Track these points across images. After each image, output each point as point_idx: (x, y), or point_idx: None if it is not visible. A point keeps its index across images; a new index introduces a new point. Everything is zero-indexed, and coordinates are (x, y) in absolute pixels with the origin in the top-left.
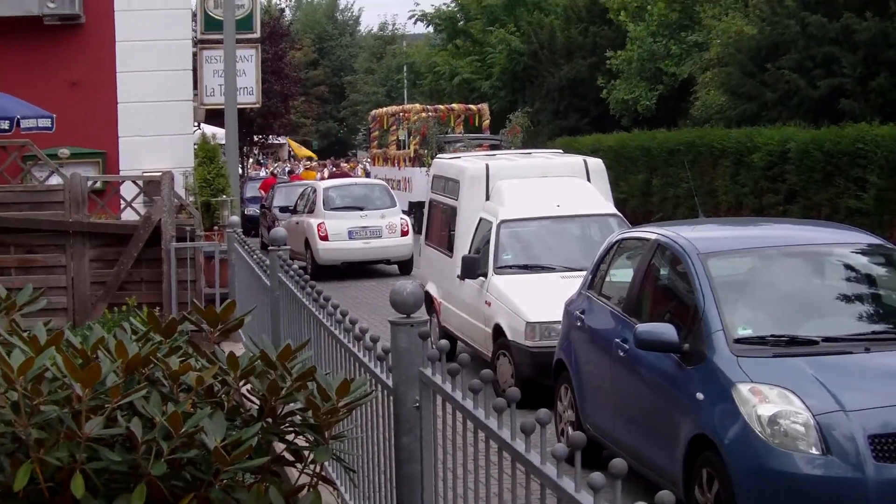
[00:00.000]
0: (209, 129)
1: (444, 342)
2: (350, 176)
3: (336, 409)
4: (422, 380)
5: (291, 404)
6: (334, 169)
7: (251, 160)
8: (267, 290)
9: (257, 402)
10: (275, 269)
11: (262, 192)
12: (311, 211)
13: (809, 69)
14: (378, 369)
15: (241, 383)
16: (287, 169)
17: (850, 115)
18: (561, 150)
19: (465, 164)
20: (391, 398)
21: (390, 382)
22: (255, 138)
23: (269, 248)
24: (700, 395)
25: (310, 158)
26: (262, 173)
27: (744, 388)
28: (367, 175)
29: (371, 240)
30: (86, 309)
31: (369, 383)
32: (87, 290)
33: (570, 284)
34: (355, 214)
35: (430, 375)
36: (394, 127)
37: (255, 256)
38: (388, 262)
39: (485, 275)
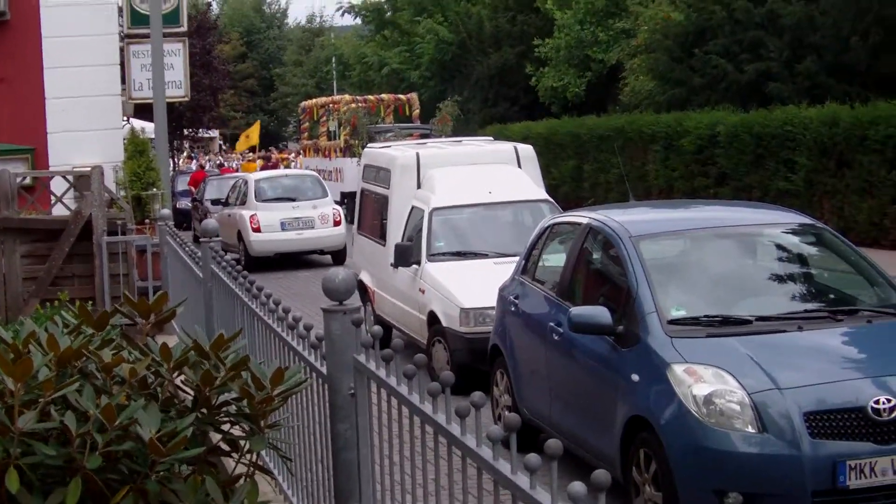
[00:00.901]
0: (138, 124)
1: (377, 328)
2: (278, 167)
3: (271, 397)
4: (356, 367)
5: (226, 394)
6: (266, 162)
7: (184, 154)
8: (200, 282)
9: (192, 392)
10: (207, 261)
11: (192, 187)
12: (242, 203)
13: (736, 54)
14: (312, 357)
15: (174, 374)
16: (217, 162)
17: (777, 98)
18: (491, 138)
19: (396, 153)
20: (326, 386)
21: (324, 370)
22: (186, 132)
23: (201, 239)
24: (635, 377)
25: (252, 149)
26: (193, 166)
27: (678, 369)
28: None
29: (304, 230)
30: (18, 305)
31: (303, 371)
32: (19, 286)
33: (503, 270)
34: (287, 205)
35: (363, 362)
36: (324, 118)
37: (187, 249)
38: (321, 252)
39: (418, 262)
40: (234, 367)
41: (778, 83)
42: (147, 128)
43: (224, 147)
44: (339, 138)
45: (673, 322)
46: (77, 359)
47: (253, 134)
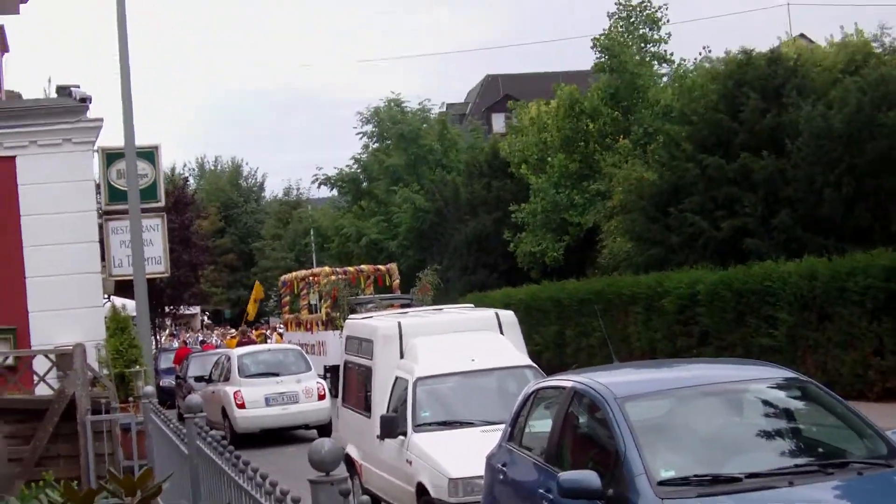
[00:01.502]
0: (119, 301)
1: (365, 498)
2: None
3: None
4: None
5: None
6: (242, 337)
7: (166, 332)
8: (185, 459)
9: None
10: (192, 437)
11: (176, 364)
12: (226, 379)
13: (711, 210)
14: None
15: None
16: (199, 339)
17: (755, 253)
18: (472, 305)
19: (378, 323)
20: None
21: None
22: (167, 309)
23: (185, 416)
24: None
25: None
26: (176, 343)
27: None
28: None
29: (288, 405)
30: (3, 486)
31: None
32: (4, 467)
33: (490, 438)
34: (271, 380)
35: None
36: (304, 291)
37: (171, 426)
38: (306, 427)
39: (404, 433)
40: None
41: (755, 238)
42: (128, 305)
43: (205, 323)
44: (321, 311)
45: (663, 483)
46: None
47: (257, 293)
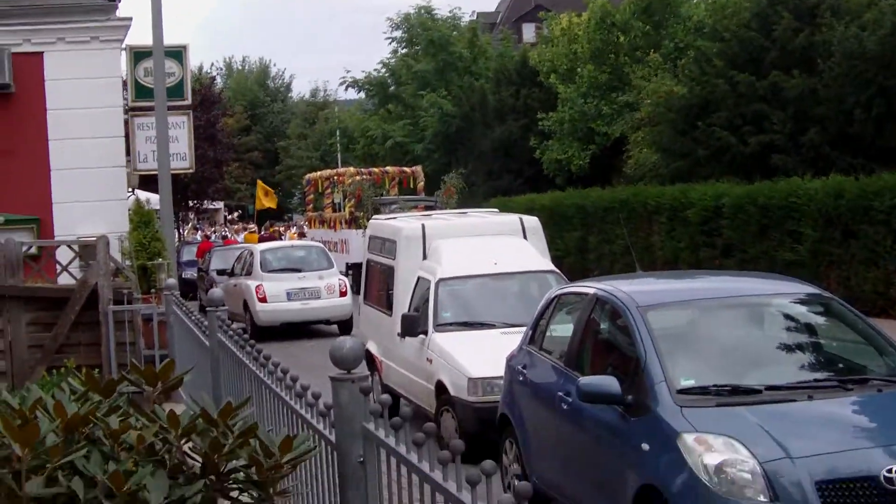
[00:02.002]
0: (143, 195)
1: (385, 396)
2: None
3: (280, 465)
4: (365, 435)
5: (234, 461)
6: (264, 232)
7: (189, 225)
8: (207, 351)
9: (200, 459)
10: (213, 330)
11: (199, 258)
12: (248, 273)
13: (739, 126)
14: (321, 425)
15: (182, 441)
16: (222, 234)
17: (782, 170)
18: (496, 210)
19: (402, 224)
20: (335, 453)
21: (333, 438)
22: (191, 203)
23: (208, 309)
24: (645, 446)
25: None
26: (199, 236)
27: (689, 438)
28: (303, 237)
29: (310, 300)
30: (24, 372)
31: (312, 439)
32: (25, 353)
33: (510, 340)
34: (293, 276)
35: (373, 430)
36: (329, 190)
37: (193, 318)
38: (327, 322)
39: (425, 332)
40: (242, 434)
41: (782, 155)
42: (152, 199)
43: (229, 218)
44: (345, 210)
45: (682, 392)
46: (84, 425)
47: (263, 197)
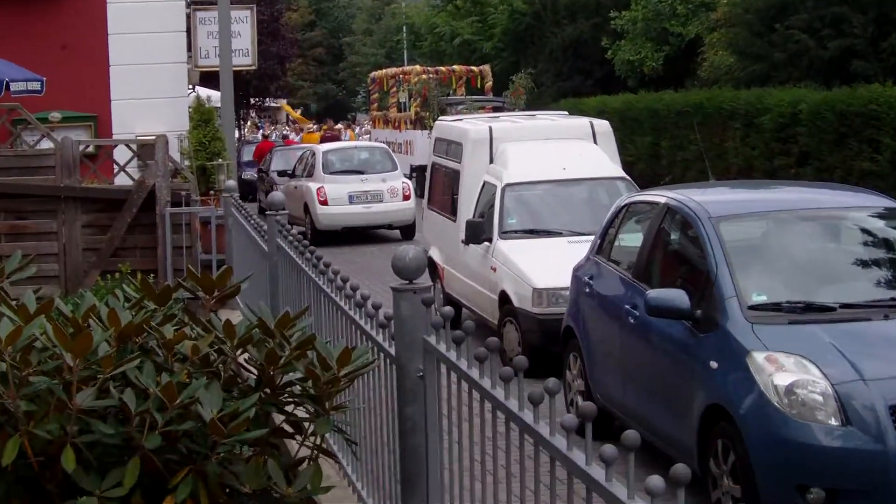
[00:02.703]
0: (204, 92)
1: (448, 309)
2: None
3: (337, 378)
4: (425, 348)
5: (290, 374)
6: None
7: (249, 123)
8: (265, 257)
9: (255, 372)
10: (273, 235)
11: (257, 158)
12: (309, 175)
13: (819, 30)
14: (380, 337)
15: (238, 352)
16: (283, 133)
17: (861, 76)
18: (566, 112)
19: (468, 126)
20: (394, 367)
21: (393, 351)
22: (252, 101)
23: (267, 212)
24: (714, 364)
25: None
26: (259, 136)
27: (759, 357)
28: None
29: (372, 204)
30: (78, 276)
31: (371, 352)
32: (80, 256)
33: (577, 250)
34: (355, 178)
35: (433, 343)
36: (394, 89)
37: (252, 221)
38: (389, 226)
39: (490, 239)
40: (299, 346)
41: (862, 61)
42: (213, 96)
43: (291, 118)
44: (410, 110)
45: (753, 308)
46: (138, 334)
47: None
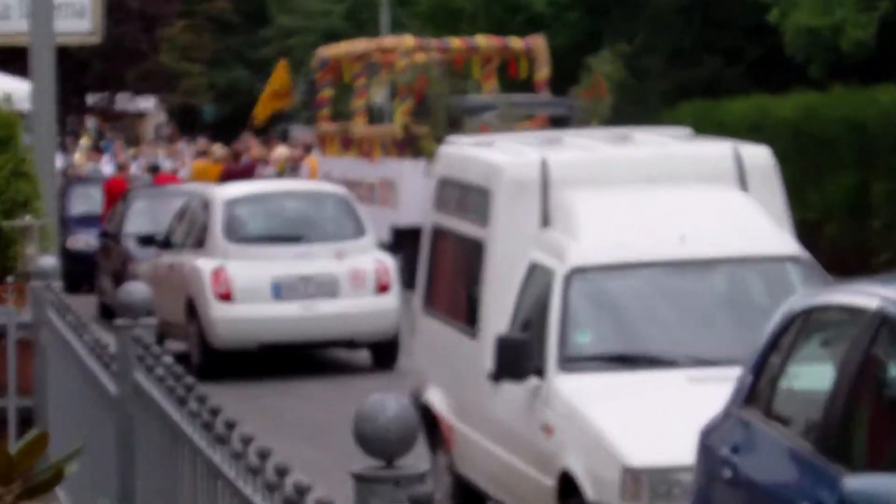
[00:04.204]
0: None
1: None
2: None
3: None
4: None
5: None
6: (232, 160)
7: (83, 142)
8: (112, 407)
9: None
10: (128, 364)
11: (105, 211)
12: (199, 243)
13: None
14: None
15: None
16: (150, 162)
17: None
18: (688, 130)
19: (502, 157)
20: None
21: None
22: (89, 100)
23: (118, 319)
24: None
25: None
26: (106, 168)
27: None
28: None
29: (317, 300)
30: None
31: None
32: None
33: (707, 394)
34: (287, 251)
35: None
36: (362, 80)
37: (87, 337)
38: (350, 344)
39: (540, 372)
40: None
41: None
42: (17, 92)
43: (168, 130)
44: (393, 121)
45: None
46: None
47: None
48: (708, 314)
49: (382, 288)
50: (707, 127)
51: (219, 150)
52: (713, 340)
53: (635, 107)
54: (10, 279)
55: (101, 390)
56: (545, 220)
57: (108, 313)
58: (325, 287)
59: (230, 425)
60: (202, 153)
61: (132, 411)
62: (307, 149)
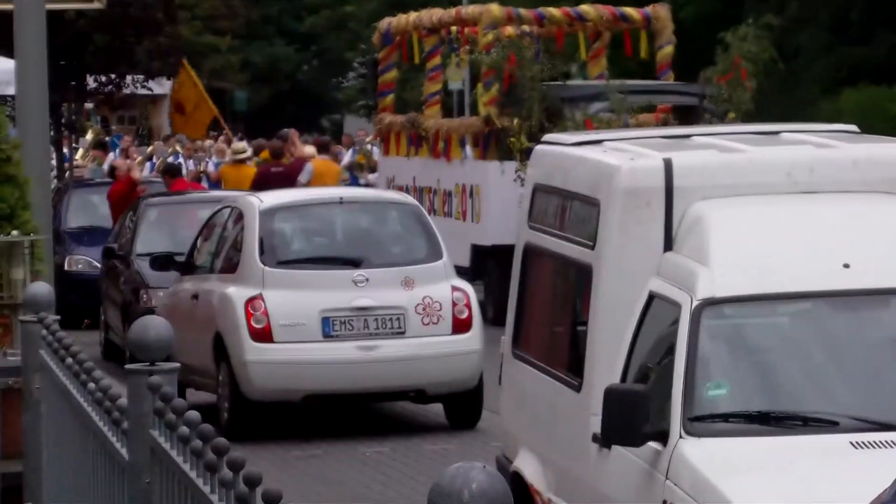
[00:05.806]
0: None
1: None
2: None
3: None
4: None
5: None
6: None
7: (88, 137)
8: (123, 474)
9: None
10: (143, 421)
11: (112, 224)
12: (230, 267)
13: None
14: None
15: None
16: (166, 160)
17: None
18: (854, 127)
19: (614, 159)
20: None
21: None
22: (90, 82)
23: (129, 362)
24: None
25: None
26: (108, 168)
27: None
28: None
29: (379, 340)
30: None
31: None
32: None
33: (876, 465)
34: (340, 277)
35: None
36: (436, 60)
37: (92, 386)
38: (420, 395)
39: (662, 436)
40: None
41: None
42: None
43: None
44: (475, 111)
45: None
46: None
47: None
48: (878, 362)
49: (461, 325)
50: (878, 121)
51: (248, 147)
52: (885, 395)
53: (785, 95)
54: None
55: (109, 453)
56: (669, 240)
57: (115, 354)
58: (389, 323)
59: (274, 499)
60: (239, 152)
61: (150, 480)
62: (323, 147)
